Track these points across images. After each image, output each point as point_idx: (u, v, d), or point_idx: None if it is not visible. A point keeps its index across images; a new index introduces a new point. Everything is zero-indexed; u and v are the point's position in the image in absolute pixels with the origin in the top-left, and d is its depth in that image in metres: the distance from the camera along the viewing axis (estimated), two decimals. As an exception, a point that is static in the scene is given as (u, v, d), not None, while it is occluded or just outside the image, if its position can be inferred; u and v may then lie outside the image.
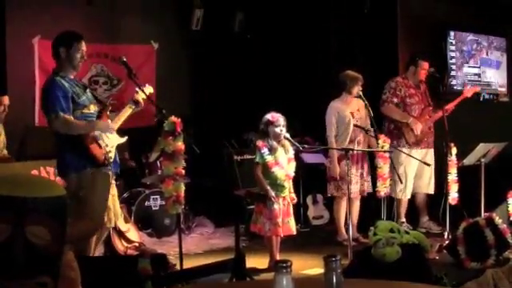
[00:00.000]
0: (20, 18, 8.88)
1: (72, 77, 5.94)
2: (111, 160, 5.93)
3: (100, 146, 5.84)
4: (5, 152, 7.94)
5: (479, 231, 6.68)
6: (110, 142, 5.98)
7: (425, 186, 8.71)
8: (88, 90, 6.12)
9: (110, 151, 5.92)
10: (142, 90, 6.22)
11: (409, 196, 8.59)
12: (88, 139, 5.79)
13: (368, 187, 8.18)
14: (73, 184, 5.67)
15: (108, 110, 6.15)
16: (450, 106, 8.45)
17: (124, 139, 6.20)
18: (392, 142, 8.30)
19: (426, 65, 8.56)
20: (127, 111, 6.22)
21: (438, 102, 8.58)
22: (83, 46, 5.94)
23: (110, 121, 6.06)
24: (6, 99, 8.11)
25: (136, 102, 6.23)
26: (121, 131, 6.56)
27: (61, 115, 5.67)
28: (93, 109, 5.98)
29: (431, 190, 8.69)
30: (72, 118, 5.74)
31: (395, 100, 8.53)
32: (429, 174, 8.65)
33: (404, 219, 8.48)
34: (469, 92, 8.74)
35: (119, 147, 6.41)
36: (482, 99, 9.49)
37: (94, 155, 5.79)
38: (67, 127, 5.74)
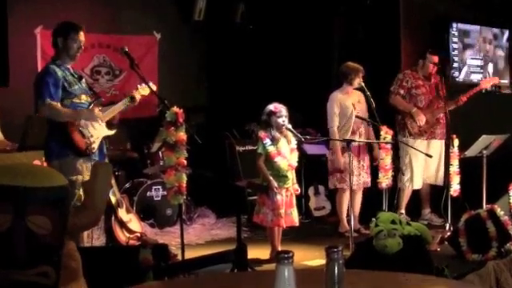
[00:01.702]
0: (22, 8, 8.86)
1: (69, 66, 5.99)
2: (94, 150, 5.96)
3: (83, 136, 5.89)
4: (0, 136, 7.92)
5: (481, 223, 6.69)
6: (96, 132, 6.02)
7: (431, 176, 8.70)
8: (83, 81, 6.18)
9: (93, 142, 5.96)
10: (148, 86, 6.26)
11: (417, 186, 8.60)
12: (71, 127, 5.85)
13: (368, 179, 8.19)
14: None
15: (100, 104, 6.18)
16: (465, 98, 8.44)
17: (112, 132, 6.25)
18: (400, 133, 8.33)
19: (434, 58, 8.55)
20: (121, 106, 6.28)
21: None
22: (81, 37, 5.98)
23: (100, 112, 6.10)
24: None
25: (132, 98, 6.28)
26: (123, 121, 6.57)
27: (47, 101, 5.74)
28: (84, 99, 6.03)
29: (440, 182, 8.64)
30: (59, 105, 5.79)
31: (401, 91, 8.56)
32: (435, 165, 8.63)
33: (403, 211, 8.47)
34: (486, 83, 8.71)
35: (120, 138, 6.43)
36: (484, 91, 9.46)
37: (76, 144, 5.84)
38: (52, 113, 5.82)
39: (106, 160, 6.26)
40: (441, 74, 8.49)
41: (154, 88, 6.41)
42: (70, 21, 6.11)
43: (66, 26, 6.01)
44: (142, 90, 6.37)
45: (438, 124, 8.60)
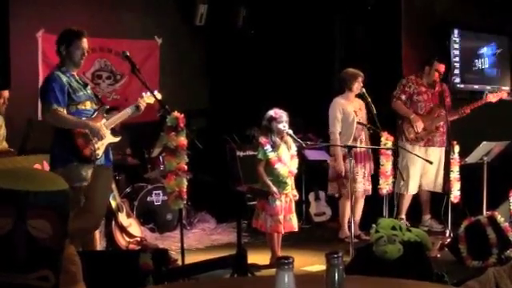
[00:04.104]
0: (24, 12, 8.87)
1: (74, 73, 6.01)
2: (98, 157, 5.95)
3: (88, 142, 5.88)
4: (5, 144, 7.94)
5: (481, 230, 6.68)
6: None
7: (429, 183, 8.68)
8: (88, 88, 6.18)
9: (98, 148, 5.95)
10: (150, 91, 6.28)
11: (412, 192, 8.57)
12: (76, 134, 5.85)
13: (369, 187, 8.19)
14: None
15: (104, 111, 6.18)
16: (468, 109, 8.42)
17: (117, 139, 6.25)
18: (399, 138, 8.33)
19: (440, 67, 8.53)
20: (126, 114, 6.29)
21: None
22: (84, 43, 5.99)
23: (105, 120, 6.10)
24: (5, 92, 8.13)
25: (137, 107, 6.29)
26: (124, 126, 6.57)
27: (53, 108, 5.75)
28: (89, 106, 6.03)
29: (438, 189, 8.65)
30: (65, 111, 5.79)
31: (403, 97, 8.56)
32: (433, 172, 8.62)
33: (404, 216, 8.46)
34: (494, 97, 8.63)
35: (121, 142, 6.43)
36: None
37: (80, 150, 5.84)
38: (57, 120, 5.83)
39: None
40: (444, 81, 8.51)
41: (158, 95, 6.41)
42: (72, 28, 6.10)
43: (69, 33, 6.02)
44: (148, 99, 6.39)
45: (438, 132, 8.59)
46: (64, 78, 5.85)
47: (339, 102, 8.09)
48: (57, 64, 6.07)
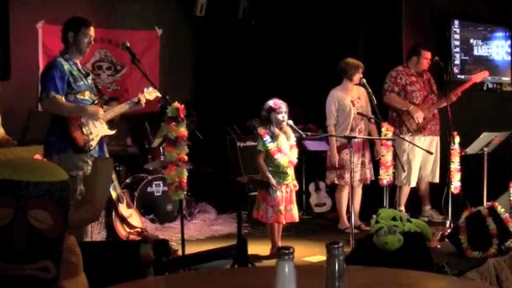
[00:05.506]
0: (24, 2, 8.86)
1: (77, 61, 6.01)
2: (92, 148, 5.96)
3: (83, 132, 5.89)
4: (1, 131, 7.93)
5: (481, 220, 6.68)
6: (96, 130, 6.04)
7: (428, 174, 8.69)
8: (90, 78, 6.18)
9: (92, 139, 5.96)
10: (154, 86, 6.29)
11: (413, 184, 8.56)
12: (72, 123, 5.86)
13: (371, 175, 8.18)
14: None
15: (103, 102, 6.20)
16: (458, 91, 8.41)
17: (112, 132, 6.26)
18: (395, 131, 8.30)
19: (428, 54, 8.55)
20: (125, 107, 6.31)
21: (442, 90, 8.56)
22: (91, 32, 6.02)
23: (103, 111, 6.11)
24: None
25: (138, 101, 6.30)
26: (124, 117, 6.56)
27: (51, 95, 5.76)
28: (88, 96, 6.04)
29: (436, 179, 8.66)
30: (63, 99, 5.80)
31: (396, 89, 8.52)
32: (432, 162, 8.63)
33: (403, 208, 8.46)
34: (478, 77, 8.69)
35: (121, 133, 6.43)
36: (485, 88, 9.44)
37: (74, 139, 5.85)
38: (54, 107, 5.85)
39: (107, 155, 6.27)
40: (442, 71, 8.49)
41: (159, 94, 6.41)
42: (79, 16, 6.14)
43: (77, 20, 6.04)
44: (148, 95, 6.40)
45: (434, 120, 8.60)
46: (66, 66, 5.86)
47: (334, 94, 8.08)
48: (60, 51, 6.07)
